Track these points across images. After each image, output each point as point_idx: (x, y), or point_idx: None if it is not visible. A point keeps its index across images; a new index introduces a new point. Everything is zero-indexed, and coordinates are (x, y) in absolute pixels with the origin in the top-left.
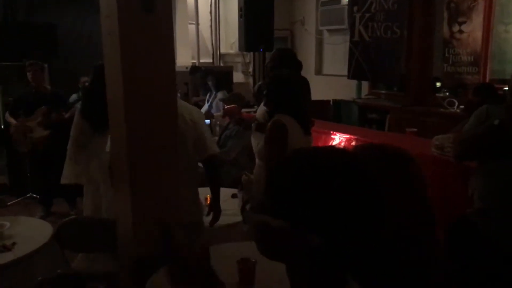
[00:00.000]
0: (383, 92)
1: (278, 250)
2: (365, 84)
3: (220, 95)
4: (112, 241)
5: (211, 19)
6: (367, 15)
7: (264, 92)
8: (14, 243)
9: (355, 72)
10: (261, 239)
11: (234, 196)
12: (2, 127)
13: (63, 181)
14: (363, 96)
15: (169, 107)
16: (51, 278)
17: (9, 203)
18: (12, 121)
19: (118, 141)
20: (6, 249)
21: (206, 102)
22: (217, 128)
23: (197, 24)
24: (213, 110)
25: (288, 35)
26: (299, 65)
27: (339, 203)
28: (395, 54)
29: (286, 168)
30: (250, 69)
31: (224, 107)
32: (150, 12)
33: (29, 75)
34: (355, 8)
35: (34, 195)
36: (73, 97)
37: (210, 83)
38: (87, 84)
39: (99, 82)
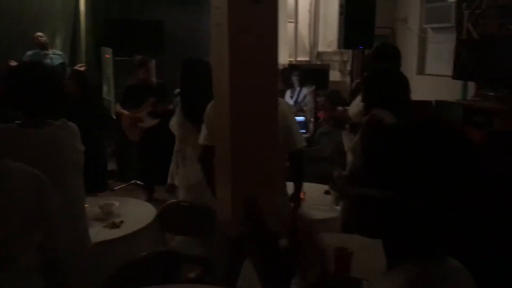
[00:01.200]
0: (491, 94)
1: (378, 223)
2: (471, 85)
3: (306, 90)
4: (209, 226)
5: (310, 17)
6: (477, 11)
7: (362, 87)
8: (122, 221)
9: (461, 72)
10: (361, 212)
11: (327, 192)
12: (114, 117)
13: (179, 183)
14: (468, 97)
15: (271, 97)
16: (153, 254)
17: (115, 188)
18: (124, 112)
19: (222, 129)
20: (115, 226)
21: (289, 98)
22: (311, 125)
23: (296, 22)
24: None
25: (389, 33)
26: (399, 61)
27: (443, 169)
28: (508, 53)
29: (389, 138)
30: (348, 68)
31: (316, 102)
32: (257, 3)
33: (140, 70)
34: (464, 4)
35: (138, 182)
36: (177, 90)
37: (294, 78)
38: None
39: (190, 77)
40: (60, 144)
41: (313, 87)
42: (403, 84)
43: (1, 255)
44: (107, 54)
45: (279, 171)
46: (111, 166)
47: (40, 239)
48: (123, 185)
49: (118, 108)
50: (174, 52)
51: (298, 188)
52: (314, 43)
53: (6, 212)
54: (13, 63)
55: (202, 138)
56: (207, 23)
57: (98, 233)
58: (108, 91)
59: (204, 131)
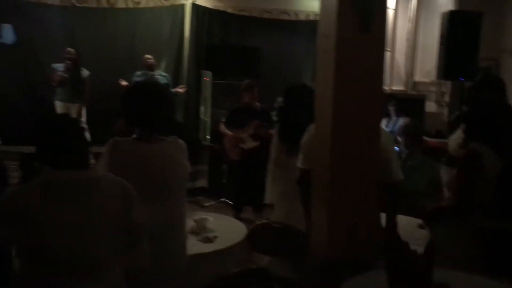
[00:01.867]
0: None
1: None
2: None
3: (401, 121)
4: (301, 249)
5: (407, 46)
6: None
7: (464, 119)
8: (215, 236)
9: None
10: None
11: (421, 226)
12: (208, 136)
13: (267, 201)
14: None
15: (373, 126)
16: (246, 271)
17: (205, 204)
18: (227, 132)
19: (322, 153)
20: (209, 240)
21: (385, 127)
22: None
23: (393, 51)
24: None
25: (493, 65)
26: (504, 93)
27: None
28: None
29: None
30: (446, 99)
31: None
32: (365, 32)
33: (245, 93)
34: None
35: (227, 200)
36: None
37: (390, 107)
38: (282, 105)
39: (292, 103)
40: (169, 160)
41: (409, 118)
42: (507, 118)
43: (92, 260)
44: (207, 77)
45: (375, 201)
46: (202, 183)
47: (123, 249)
48: (212, 202)
49: (222, 128)
50: (269, 77)
51: (392, 220)
52: (410, 73)
53: (95, 216)
54: (124, 82)
55: (300, 162)
56: (301, 50)
57: (193, 246)
58: (205, 112)
59: (301, 154)
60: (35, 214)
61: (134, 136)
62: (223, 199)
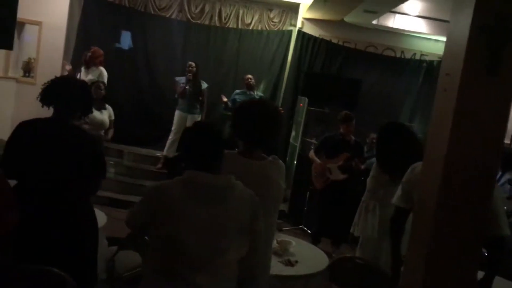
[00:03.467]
0: None
1: None
2: None
3: (508, 176)
4: None
5: None
6: None
7: None
8: (296, 261)
9: None
10: None
11: None
12: (295, 162)
13: (358, 233)
14: None
15: (487, 176)
16: None
17: (283, 229)
18: (316, 159)
19: (428, 195)
20: (290, 264)
21: None
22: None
23: None
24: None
25: None
26: None
27: None
28: None
29: None
30: None
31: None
32: (493, 75)
33: (343, 124)
34: None
35: (305, 228)
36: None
37: None
38: (374, 141)
39: (394, 138)
40: (268, 178)
41: None
42: None
43: (217, 259)
44: (302, 103)
45: (478, 259)
46: (283, 207)
47: (243, 254)
48: (290, 227)
49: (312, 154)
50: (365, 111)
51: (489, 279)
52: None
53: (227, 219)
54: (225, 98)
55: (397, 199)
56: (402, 88)
57: (274, 266)
58: (295, 137)
59: (400, 191)
60: (175, 207)
61: (237, 150)
62: (301, 226)
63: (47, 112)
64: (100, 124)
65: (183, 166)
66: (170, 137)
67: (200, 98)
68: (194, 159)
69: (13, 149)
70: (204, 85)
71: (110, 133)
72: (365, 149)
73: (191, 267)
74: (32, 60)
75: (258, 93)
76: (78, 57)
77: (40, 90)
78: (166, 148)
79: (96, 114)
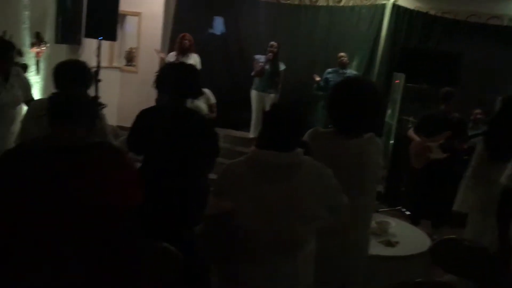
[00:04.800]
0: None
1: None
2: None
3: None
4: (489, 274)
5: None
6: None
7: None
8: (397, 242)
9: None
10: None
11: None
12: (391, 141)
13: (456, 207)
14: None
15: None
16: (428, 282)
17: (379, 210)
18: (415, 137)
19: None
20: (391, 244)
21: None
22: None
23: None
24: None
25: None
26: None
27: None
28: None
29: None
30: None
31: None
32: None
33: (444, 102)
34: None
35: (403, 210)
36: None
37: None
38: (478, 117)
39: (507, 114)
40: (365, 157)
41: None
42: None
43: (289, 241)
44: (398, 79)
45: None
46: (379, 187)
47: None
48: (387, 209)
49: (411, 133)
50: (468, 87)
51: None
52: None
53: (295, 198)
54: (317, 78)
55: (507, 178)
56: (509, 61)
57: (373, 247)
58: (391, 115)
59: (509, 170)
60: (239, 185)
61: (332, 128)
62: (399, 207)
63: (148, 98)
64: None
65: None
66: (252, 118)
67: (277, 79)
68: (263, 137)
69: (137, 133)
70: (282, 67)
71: (210, 117)
72: (469, 126)
73: (263, 246)
74: (134, 50)
75: (351, 71)
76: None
77: (141, 78)
78: (252, 130)
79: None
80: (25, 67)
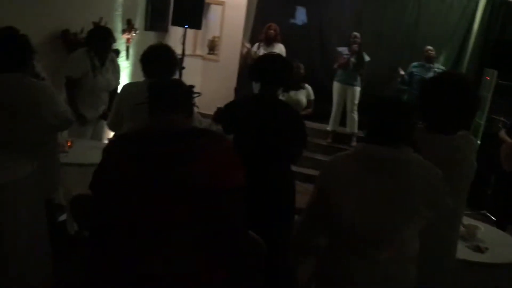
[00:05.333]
0: None
1: None
2: None
3: None
4: None
5: None
6: None
7: None
8: (486, 248)
9: None
10: None
11: None
12: (478, 142)
13: None
14: None
15: None
16: None
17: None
18: (507, 139)
19: None
20: (479, 250)
21: None
22: None
23: None
24: None
25: None
26: None
27: None
28: None
29: None
30: None
31: None
32: None
33: None
34: None
35: (488, 214)
36: None
37: None
38: None
39: None
40: (459, 154)
41: None
42: None
43: (396, 239)
44: (489, 76)
45: None
46: None
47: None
48: (470, 212)
49: (503, 134)
50: None
51: None
52: None
53: (401, 196)
54: (402, 71)
55: None
56: None
57: (460, 251)
58: (480, 114)
59: None
60: (346, 179)
61: (423, 124)
62: (483, 212)
63: (229, 86)
64: (295, 104)
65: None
66: (332, 111)
67: (362, 71)
68: (370, 131)
69: (230, 119)
70: (367, 58)
71: (306, 112)
72: None
73: (371, 243)
74: (216, 39)
75: (438, 66)
76: (256, 35)
77: (222, 67)
78: (331, 123)
79: (291, 93)
80: (117, 53)
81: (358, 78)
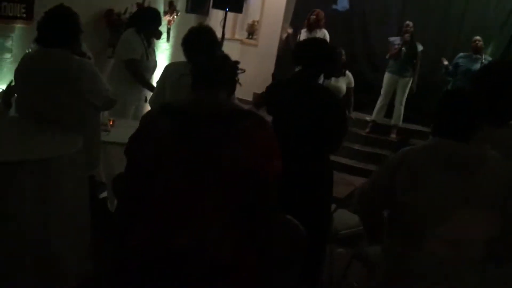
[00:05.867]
0: None
1: None
2: None
3: None
4: None
5: None
6: None
7: None
8: None
9: None
10: None
11: None
12: None
13: None
14: None
15: None
16: None
17: None
18: None
19: None
20: None
21: None
22: None
23: None
24: None
25: None
26: None
27: None
28: None
29: None
30: None
31: None
32: None
33: None
34: None
35: None
36: None
37: None
38: None
39: None
40: None
41: None
42: None
43: (462, 238)
44: None
45: None
46: None
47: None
48: None
49: None
50: None
51: None
52: None
53: (473, 194)
54: (445, 61)
55: None
56: None
57: None
58: None
59: None
60: (418, 174)
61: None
62: None
63: (267, 71)
64: (335, 91)
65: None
66: (379, 101)
67: (414, 61)
68: (441, 125)
69: (270, 104)
70: (420, 47)
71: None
72: None
73: (435, 239)
74: (256, 23)
75: (486, 57)
76: (298, 20)
77: (261, 51)
78: (374, 113)
79: (332, 79)
80: (159, 34)
81: (412, 69)
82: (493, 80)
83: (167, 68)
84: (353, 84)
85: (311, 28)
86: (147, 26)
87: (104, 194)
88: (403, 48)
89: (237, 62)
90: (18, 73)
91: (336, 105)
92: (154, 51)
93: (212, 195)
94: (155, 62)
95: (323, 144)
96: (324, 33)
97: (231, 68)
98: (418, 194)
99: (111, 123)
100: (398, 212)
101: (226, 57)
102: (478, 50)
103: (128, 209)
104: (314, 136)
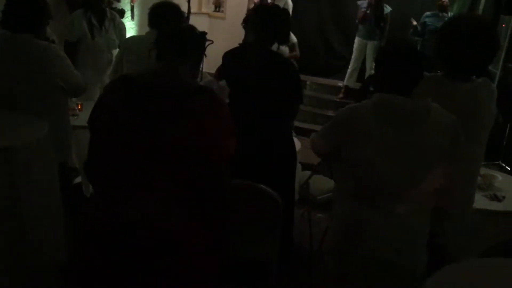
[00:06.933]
0: None
1: None
2: None
3: None
4: None
5: None
6: None
7: None
8: (504, 197)
9: None
10: None
11: None
12: None
13: None
14: None
15: None
16: None
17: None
18: None
19: None
20: (497, 199)
21: None
22: None
23: None
24: None
25: None
26: None
27: None
28: None
29: None
30: None
31: None
32: None
33: None
34: None
35: (503, 164)
36: None
37: None
38: None
39: None
40: (478, 102)
41: None
42: None
43: (415, 191)
44: (505, 23)
45: None
46: None
47: (441, 183)
48: (485, 162)
49: None
50: None
51: None
52: None
53: (422, 144)
54: (414, 22)
55: None
56: None
57: (477, 200)
58: (495, 64)
59: None
60: (366, 131)
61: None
62: (497, 162)
63: (235, 45)
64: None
65: (372, 90)
66: (350, 66)
67: (382, 24)
68: (385, 81)
69: (227, 75)
70: (387, 10)
71: (292, 55)
72: None
73: (388, 195)
74: None
75: (452, 15)
76: None
77: (229, 24)
78: (346, 78)
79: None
80: (122, 13)
81: (380, 32)
82: (455, 35)
83: (126, 41)
84: (294, 40)
85: None
86: (92, 5)
87: (78, 179)
88: (368, 11)
89: (204, 33)
90: None
91: (293, 71)
92: (112, 30)
93: (159, 170)
94: (109, 40)
95: (281, 111)
96: (285, 1)
97: (197, 39)
98: (364, 152)
99: (79, 107)
100: (352, 171)
101: (192, 28)
102: (444, 8)
103: (90, 179)
104: (272, 103)
